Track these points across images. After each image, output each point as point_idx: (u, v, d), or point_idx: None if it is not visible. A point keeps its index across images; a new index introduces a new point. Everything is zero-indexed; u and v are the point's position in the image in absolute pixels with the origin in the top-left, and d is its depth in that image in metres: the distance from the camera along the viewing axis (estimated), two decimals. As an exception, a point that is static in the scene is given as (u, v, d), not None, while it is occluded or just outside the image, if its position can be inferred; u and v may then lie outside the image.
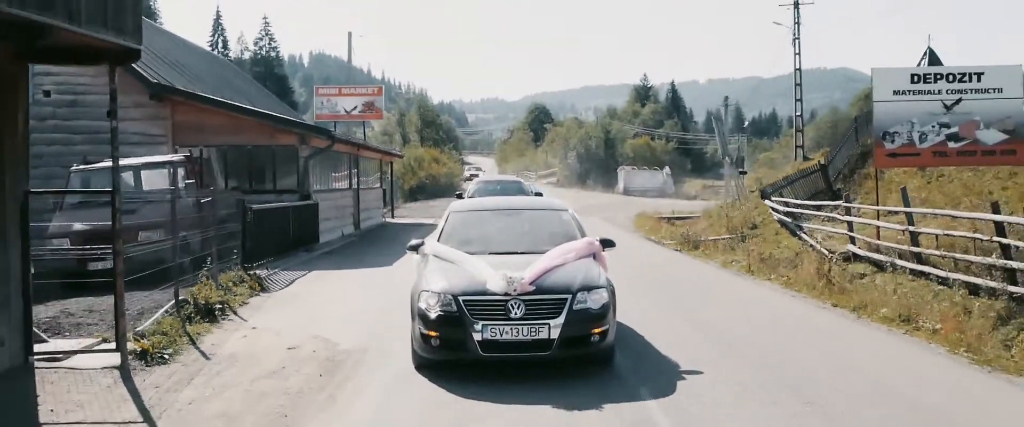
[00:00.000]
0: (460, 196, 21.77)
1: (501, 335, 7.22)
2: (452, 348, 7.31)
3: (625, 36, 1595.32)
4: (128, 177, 14.10)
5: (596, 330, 7.42)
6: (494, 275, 7.40)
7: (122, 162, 13.81)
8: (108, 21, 6.59)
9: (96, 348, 7.89)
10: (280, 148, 19.32)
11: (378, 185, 32.29)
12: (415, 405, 6.60)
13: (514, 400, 6.56)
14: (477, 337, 7.16)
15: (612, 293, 7.74)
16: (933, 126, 15.93)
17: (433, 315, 7.29)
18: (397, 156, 40.64)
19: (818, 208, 19.87)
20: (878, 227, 15.08)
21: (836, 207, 18.04)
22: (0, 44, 6.68)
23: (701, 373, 7.37)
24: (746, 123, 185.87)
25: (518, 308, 7.26)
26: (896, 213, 15.42)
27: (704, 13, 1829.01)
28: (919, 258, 12.95)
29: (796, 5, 37.83)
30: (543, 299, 7.33)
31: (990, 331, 9.31)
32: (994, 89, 16.06)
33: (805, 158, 36.13)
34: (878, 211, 15.74)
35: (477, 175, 76.37)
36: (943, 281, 11.65)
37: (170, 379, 7.20)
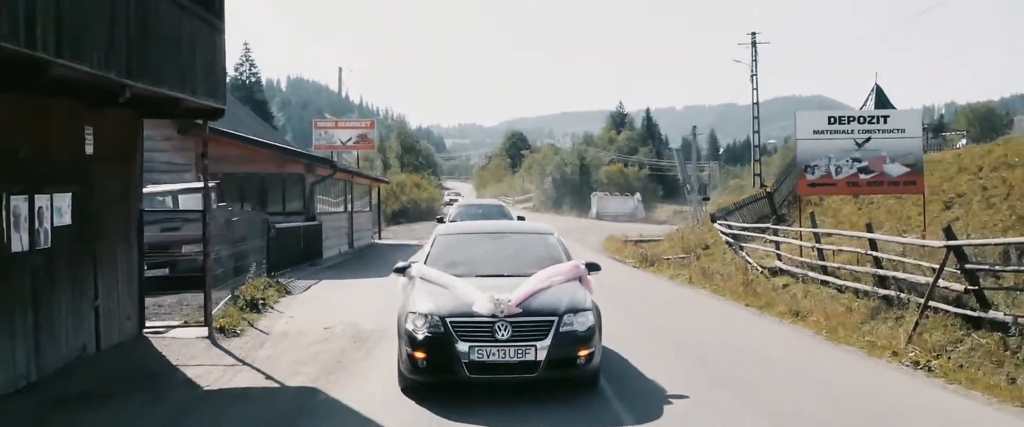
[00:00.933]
0: (441, 220, 21.80)
1: (488, 356, 7.34)
2: (439, 369, 7.44)
3: (603, 62, 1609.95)
4: (168, 200, 16.87)
5: (582, 352, 7.57)
6: (481, 297, 7.51)
7: (167, 188, 16.64)
8: (214, 92, 9.55)
9: (187, 325, 10.77)
10: (288, 175, 22.24)
11: (368, 209, 35.28)
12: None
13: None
14: (464, 358, 7.30)
15: (598, 316, 7.95)
16: (847, 160, 19.10)
17: (420, 336, 7.41)
18: (385, 182, 43.81)
19: (761, 230, 22.98)
20: (800, 246, 18.18)
21: (764, 229, 21.16)
22: (130, 110, 9.57)
23: (628, 343, 10.31)
24: (721, 150, 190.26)
25: (505, 330, 7.37)
26: (826, 233, 18.56)
27: (682, 40, 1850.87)
28: (825, 270, 16.04)
29: (753, 44, 41.40)
30: (530, 321, 7.47)
31: (859, 323, 12.33)
32: (898, 130, 19.29)
33: (762, 185, 39.48)
34: (799, 232, 18.87)
35: (457, 200, 79.13)
36: (840, 288, 14.72)
37: (245, 346, 10.07)
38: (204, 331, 10.32)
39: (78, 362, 8.45)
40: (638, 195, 72.72)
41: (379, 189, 40.19)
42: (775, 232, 19.97)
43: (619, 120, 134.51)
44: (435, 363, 7.37)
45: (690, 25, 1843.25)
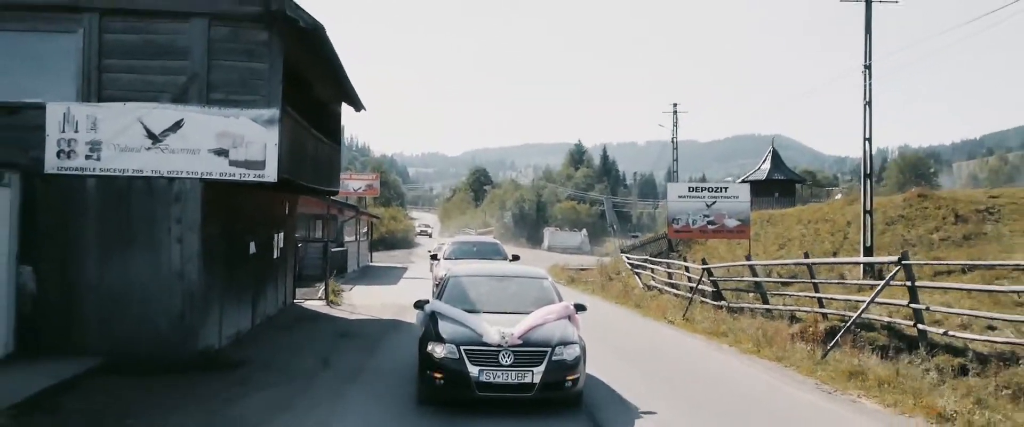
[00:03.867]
0: (434, 257, 23.86)
1: (494, 378, 8.80)
2: (454, 386, 8.87)
3: (566, 96, 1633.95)
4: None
5: (570, 377, 9.05)
6: (490, 329, 9.02)
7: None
8: (335, 183, 19.87)
9: (315, 298, 21.07)
10: (328, 215, 32.38)
11: (365, 238, 45.57)
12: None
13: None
14: (474, 378, 8.75)
15: (583, 349, 9.41)
16: (700, 216, 29.87)
17: (439, 359, 8.92)
18: (378, 219, 54.52)
19: (648, 261, 33.53)
20: (669, 272, 28.68)
21: (646, 260, 31.82)
22: (300, 194, 19.74)
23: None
24: None
25: (508, 357, 8.88)
26: (680, 263, 29.18)
27: (645, 75, 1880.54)
28: (673, 285, 26.52)
29: (674, 113, 52.40)
30: (529, 351, 8.97)
31: (675, 309, 22.63)
32: (734, 196, 30.15)
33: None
34: (669, 263, 29.47)
35: (428, 232, 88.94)
36: (676, 294, 25.14)
37: (343, 307, 20.29)
38: (322, 302, 20.56)
39: (278, 312, 18.58)
40: (584, 231, 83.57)
41: (372, 223, 50.56)
42: (654, 263, 30.57)
43: (578, 157, 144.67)
44: (450, 381, 8.90)
45: (654, 60, 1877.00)
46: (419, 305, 10.60)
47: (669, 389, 11.04)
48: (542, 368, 8.96)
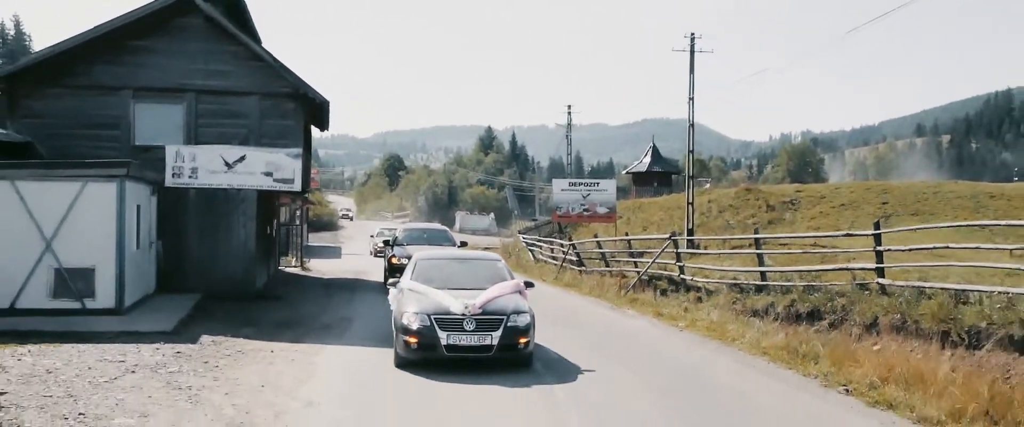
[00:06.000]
0: (388, 242, 25.56)
1: (459, 341, 10.76)
2: (426, 349, 10.80)
3: (476, 80, 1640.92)
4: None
5: (522, 340, 11.06)
6: (454, 301, 10.99)
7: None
8: (307, 188, 28.49)
9: (291, 266, 29.71)
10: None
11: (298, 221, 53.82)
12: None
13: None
14: (443, 342, 10.71)
15: (532, 317, 11.38)
16: (577, 205, 39.31)
17: (414, 327, 10.83)
18: (312, 204, 62.45)
19: (542, 240, 42.81)
20: (552, 248, 37.89)
21: (540, 240, 41.21)
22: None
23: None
24: (587, 170, 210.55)
25: (471, 324, 10.84)
26: (564, 243, 38.58)
27: (557, 59, 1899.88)
28: (558, 258, 35.76)
29: (568, 113, 61.82)
30: (488, 318, 10.92)
31: (554, 274, 31.81)
32: (603, 189, 39.73)
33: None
34: (552, 241, 38.78)
35: (349, 216, 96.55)
36: (561, 265, 34.37)
37: (313, 272, 28.92)
38: (297, 268, 29.20)
39: (275, 273, 27.03)
40: (492, 214, 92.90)
41: (307, 209, 58.75)
42: (543, 241, 39.91)
43: (488, 143, 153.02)
44: (423, 345, 10.79)
45: (565, 47, 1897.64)
46: (393, 284, 13.47)
47: (539, 312, 20.23)
48: (499, 333, 10.94)
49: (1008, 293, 12.45)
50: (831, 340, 13.23)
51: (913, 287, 14.18)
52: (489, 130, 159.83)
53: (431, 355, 10.89)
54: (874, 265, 15.37)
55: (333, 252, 45.06)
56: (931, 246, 15.66)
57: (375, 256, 40.21)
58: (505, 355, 11.05)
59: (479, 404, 9.38)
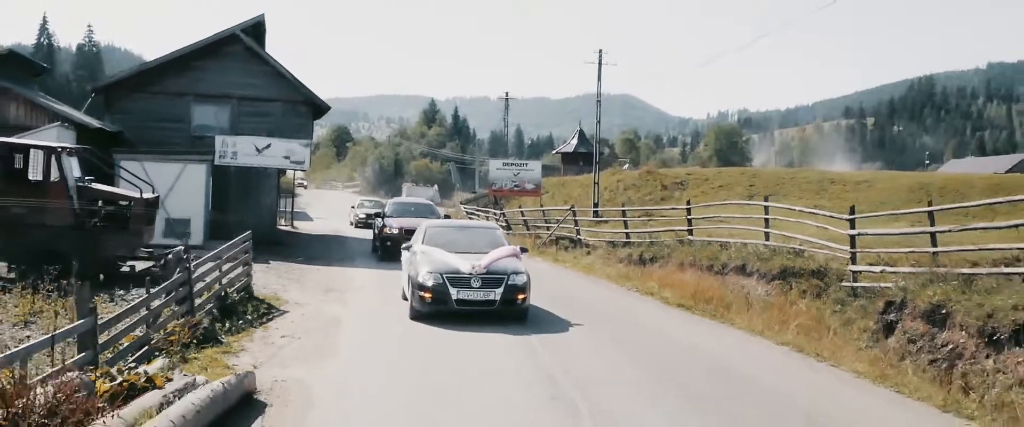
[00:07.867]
0: (379, 215, 29.60)
1: (467, 296, 12.80)
2: (439, 303, 12.85)
3: (420, 47, 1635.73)
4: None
5: (520, 296, 13.06)
6: (463, 262, 13.07)
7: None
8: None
9: (281, 224, 38.62)
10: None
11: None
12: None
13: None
14: (454, 297, 12.74)
15: (528, 277, 13.37)
16: (509, 181, 48.53)
17: (429, 284, 12.82)
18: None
19: (480, 210, 51.89)
20: (487, 216, 46.99)
21: (480, 211, 50.40)
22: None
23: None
24: (526, 143, 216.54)
25: (477, 282, 12.84)
26: (499, 212, 47.82)
27: (501, 32, 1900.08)
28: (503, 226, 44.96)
29: (506, 102, 70.82)
30: (491, 277, 12.90)
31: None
32: (531, 169, 49.09)
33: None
34: (489, 211, 47.94)
35: (304, 184, 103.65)
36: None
37: (301, 230, 37.69)
38: (289, 227, 37.93)
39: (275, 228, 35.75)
40: (436, 186, 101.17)
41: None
42: (481, 211, 49.09)
43: (431, 115, 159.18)
44: (436, 299, 12.88)
45: (510, 14, 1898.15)
46: (407, 247, 15.47)
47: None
48: (501, 289, 12.92)
49: (746, 243, 21.95)
50: (647, 271, 22.67)
51: (703, 241, 23.71)
52: (432, 103, 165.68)
53: (443, 308, 13.08)
54: (686, 227, 24.88)
55: (304, 216, 53.51)
56: (717, 215, 25.31)
57: (356, 226, 43.90)
58: (505, 308, 13.19)
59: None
